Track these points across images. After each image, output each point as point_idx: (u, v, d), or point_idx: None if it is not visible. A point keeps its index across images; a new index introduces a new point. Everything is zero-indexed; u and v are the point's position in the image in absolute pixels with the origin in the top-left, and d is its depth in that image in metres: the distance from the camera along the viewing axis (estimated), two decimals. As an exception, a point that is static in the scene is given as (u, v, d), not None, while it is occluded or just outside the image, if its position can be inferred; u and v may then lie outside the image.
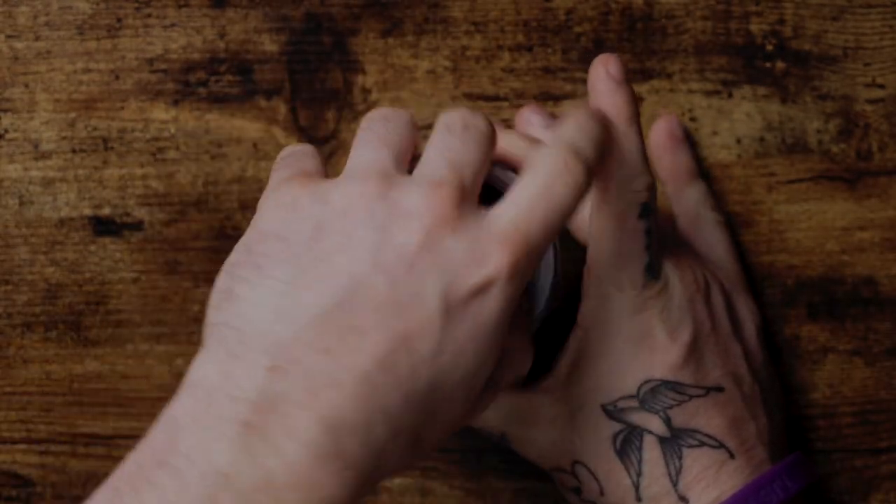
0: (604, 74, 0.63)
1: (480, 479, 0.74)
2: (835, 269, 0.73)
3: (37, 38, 0.72)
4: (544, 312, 0.64)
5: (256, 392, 0.52)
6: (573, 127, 0.58)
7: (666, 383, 0.64)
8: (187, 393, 0.53)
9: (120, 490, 0.51)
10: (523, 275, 0.56)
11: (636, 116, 0.63)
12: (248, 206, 0.73)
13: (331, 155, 0.73)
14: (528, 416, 0.66)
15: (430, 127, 0.72)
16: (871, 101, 0.72)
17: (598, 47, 0.72)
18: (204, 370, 0.54)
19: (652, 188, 0.63)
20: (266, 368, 0.53)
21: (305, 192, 0.57)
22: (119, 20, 0.72)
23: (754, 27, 0.72)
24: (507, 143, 0.64)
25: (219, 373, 0.53)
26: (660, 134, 0.72)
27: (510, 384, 0.60)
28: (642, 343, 0.64)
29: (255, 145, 0.73)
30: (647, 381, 0.64)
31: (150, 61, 0.73)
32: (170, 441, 0.52)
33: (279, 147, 0.72)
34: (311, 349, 0.53)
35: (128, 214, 0.73)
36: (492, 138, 0.58)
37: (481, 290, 0.55)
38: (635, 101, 0.63)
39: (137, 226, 0.73)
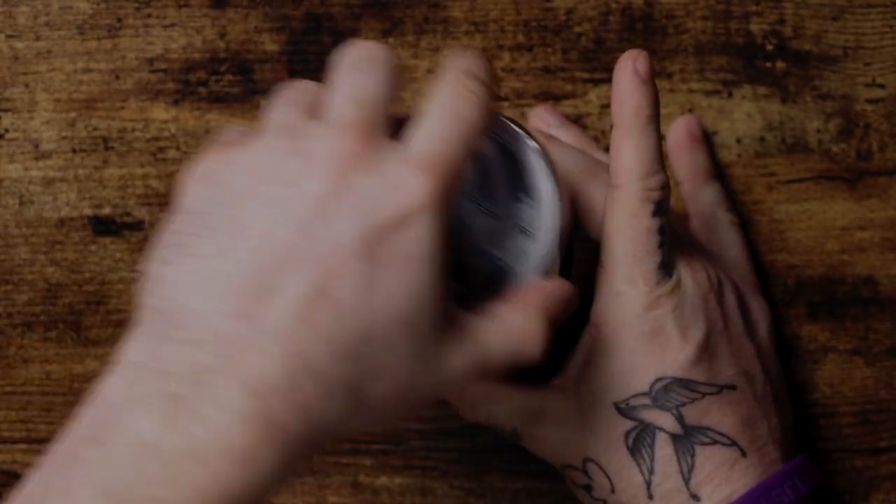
0: (630, 71, 0.63)
1: (480, 479, 0.74)
2: (835, 269, 0.73)
3: (37, 38, 0.73)
4: (555, 258, 0.62)
5: (182, 365, 0.52)
6: (462, 58, 0.57)
7: (678, 381, 0.64)
8: (116, 373, 0.53)
9: (49, 471, 0.51)
10: (448, 199, 0.54)
11: (656, 116, 0.63)
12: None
13: (331, 155, 0.73)
14: (539, 413, 0.66)
15: (430, 127, 0.73)
16: (871, 101, 0.73)
17: (598, 47, 0.72)
18: (133, 351, 0.53)
19: (666, 187, 0.63)
20: (190, 342, 0.52)
21: (218, 161, 0.55)
22: (119, 20, 0.72)
23: (754, 27, 0.72)
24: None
25: (147, 352, 0.53)
26: (678, 133, 0.72)
27: (505, 364, 0.57)
28: (655, 341, 0.64)
29: (255, 145, 0.73)
30: (659, 379, 0.64)
31: (151, 61, 0.73)
32: (98, 418, 0.52)
33: (279, 147, 0.73)
34: (230, 317, 0.52)
35: (128, 214, 0.73)
36: (395, 67, 0.56)
37: (402, 220, 0.53)
38: (658, 101, 0.63)
39: (137, 226, 0.73)
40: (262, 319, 0.52)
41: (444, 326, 0.55)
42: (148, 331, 0.54)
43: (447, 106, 0.56)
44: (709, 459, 0.64)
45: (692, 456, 0.64)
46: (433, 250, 0.53)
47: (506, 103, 0.73)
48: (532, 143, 0.61)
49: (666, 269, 0.64)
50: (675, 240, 0.65)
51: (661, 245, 0.64)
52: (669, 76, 0.72)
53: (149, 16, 0.72)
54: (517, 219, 0.61)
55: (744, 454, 0.64)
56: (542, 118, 0.71)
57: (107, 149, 0.73)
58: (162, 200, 0.73)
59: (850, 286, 0.73)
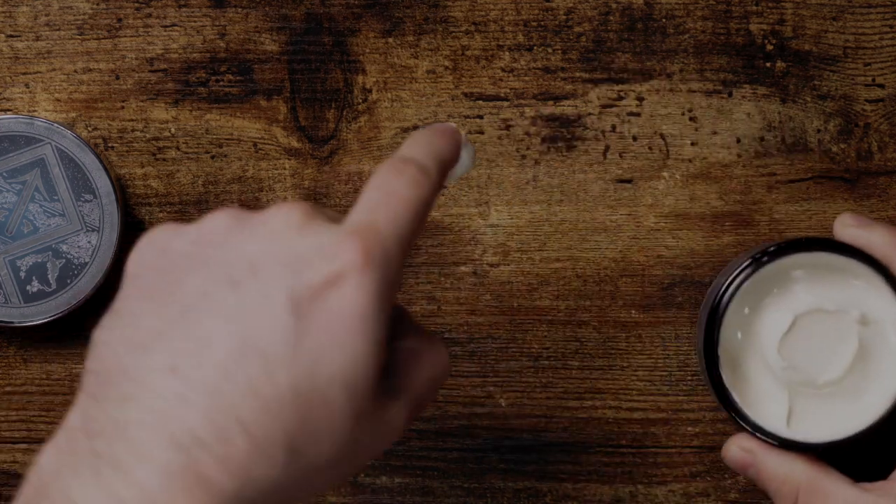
0: (850, 222, 0.66)
1: (480, 479, 0.74)
2: (835, 269, 0.73)
3: (37, 38, 0.72)
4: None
5: (109, 423, 0.52)
6: (406, 144, 0.58)
7: None
8: (52, 439, 0.53)
9: None
10: (383, 265, 0.53)
11: None
12: (249, 206, 0.73)
13: (331, 154, 0.73)
14: None
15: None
16: (871, 101, 0.72)
17: (598, 47, 0.72)
18: (70, 416, 0.53)
19: None
20: (119, 399, 0.52)
21: (165, 230, 0.56)
22: (119, 20, 0.72)
23: (754, 27, 0.72)
24: None
25: (80, 415, 0.53)
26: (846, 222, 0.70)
27: (432, 394, 0.58)
28: None
29: (255, 145, 0.73)
30: None
31: (150, 61, 0.73)
32: (35, 487, 0.52)
33: (279, 147, 0.72)
34: (158, 371, 0.52)
35: (128, 214, 0.73)
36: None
37: (332, 282, 0.52)
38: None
39: (137, 226, 0.73)
40: (192, 372, 0.52)
41: (379, 383, 0.54)
42: (83, 394, 0.53)
43: (379, 184, 0.56)
44: None
45: None
46: (365, 310, 0.53)
47: (505, 103, 0.73)
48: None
49: None
50: None
51: None
52: (669, 76, 0.72)
53: (149, 16, 0.72)
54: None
55: None
56: (845, 223, 0.69)
57: (107, 149, 0.73)
58: (162, 200, 0.73)
59: (850, 286, 0.73)
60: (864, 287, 0.67)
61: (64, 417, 0.53)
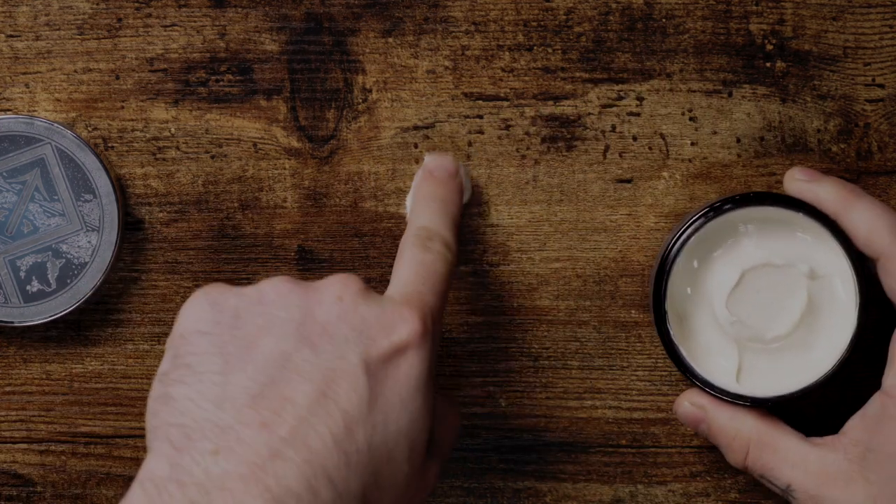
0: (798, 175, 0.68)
1: (480, 479, 0.74)
2: (835, 269, 0.73)
3: (37, 38, 0.72)
4: None
5: (203, 475, 0.55)
6: (423, 209, 0.66)
7: None
8: (138, 487, 0.56)
9: None
10: (435, 335, 0.60)
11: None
12: (248, 206, 0.73)
13: (331, 154, 0.73)
14: (820, 472, 0.66)
15: (429, 126, 0.73)
16: (871, 101, 0.72)
17: (598, 47, 0.72)
18: (152, 465, 0.56)
19: None
20: (210, 452, 0.55)
21: (220, 290, 0.61)
22: (119, 20, 0.72)
23: (754, 27, 0.72)
24: None
25: (167, 465, 0.55)
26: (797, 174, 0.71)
27: (450, 451, 0.64)
28: None
29: (255, 145, 0.73)
30: None
31: (150, 61, 0.73)
32: None
33: (279, 147, 0.72)
34: (250, 426, 0.56)
35: (128, 214, 0.73)
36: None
37: (399, 351, 0.59)
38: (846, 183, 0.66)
39: (137, 225, 0.73)
40: (282, 428, 0.56)
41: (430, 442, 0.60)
42: (166, 446, 0.56)
43: (414, 260, 0.63)
44: None
45: None
46: (426, 378, 0.59)
47: (505, 103, 0.73)
48: None
49: None
50: None
51: None
52: (669, 76, 0.72)
53: (149, 16, 0.72)
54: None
55: None
56: (793, 177, 0.70)
57: (107, 149, 0.73)
58: (162, 200, 0.73)
59: (850, 286, 0.73)
60: (813, 241, 0.68)
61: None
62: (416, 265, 0.63)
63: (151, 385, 0.60)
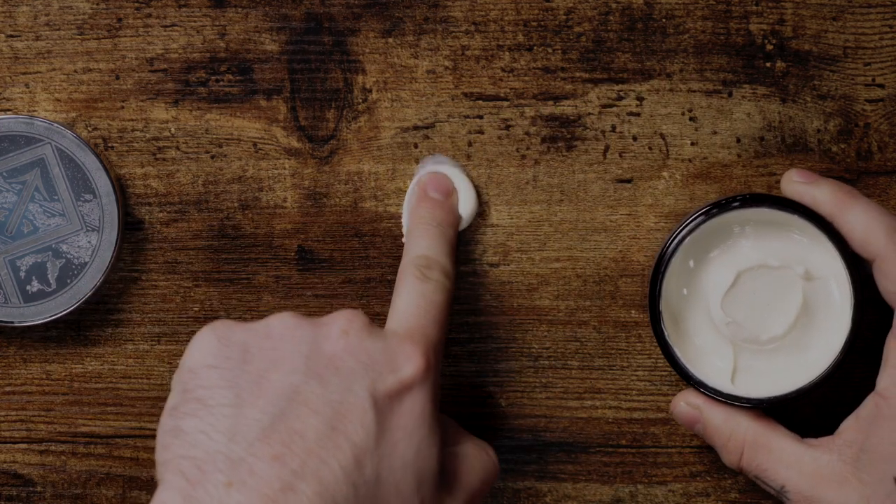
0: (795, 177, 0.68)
1: (480, 479, 0.74)
2: (835, 269, 0.73)
3: (37, 38, 0.72)
4: None
5: None
6: (419, 236, 0.67)
7: None
8: None
9: None
10: (436, 370, 0.61)
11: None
12: (248, 206, 0.73)
13: (331, 154, 0.73)
14: (814, 472, 0.66)
15: (429, 126, 0.73)
16: (871, 101, 0.72)
17: (598, 47, 0.72)
18: (165, 498, 0.57)
19: None
20: (223, 485, 0.56)
21: (227, 326, 0.62)
22: (119, 20, 0.72)
23: (754, 27, 0.72)
24: None
25: (181, 498, 0.56)
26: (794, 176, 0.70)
27: (484, 492, 0.65)
28: None
29: (255, 145, 0.73)
30: None
31: (150, 61, 0.73)
32: None
33: (279, 147, 0.72)
34: (262, 459, 0.57)
35: (128, 214, 0.73)
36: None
37: (405, 388, 0.60)
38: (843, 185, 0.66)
39: (137, 225, 0.73)
40: (294, 460, 0.57)
41: (440, 477, 0.61)
42: (178, 478, 0.57)
43: (412, 292, 0.64)
44: None
45: None
46: (430, 411, 0.61)
47: (505, 103, 0.73)
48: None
49: None
50: None
51: None
52: (669, 76, 0.72)
53: (149, 16, 0.72)
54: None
55: None
56: (791, 179, 0.70)
57: (107, 149, 0.73)
58: (162, 200, 0.73)
59: (850, 286, 0.73)
60: (809, 243, 0.68)
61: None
62: (416, 297, 0.64)
63: (160, 420, 0.60)
